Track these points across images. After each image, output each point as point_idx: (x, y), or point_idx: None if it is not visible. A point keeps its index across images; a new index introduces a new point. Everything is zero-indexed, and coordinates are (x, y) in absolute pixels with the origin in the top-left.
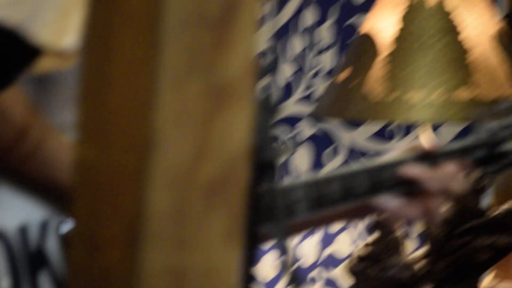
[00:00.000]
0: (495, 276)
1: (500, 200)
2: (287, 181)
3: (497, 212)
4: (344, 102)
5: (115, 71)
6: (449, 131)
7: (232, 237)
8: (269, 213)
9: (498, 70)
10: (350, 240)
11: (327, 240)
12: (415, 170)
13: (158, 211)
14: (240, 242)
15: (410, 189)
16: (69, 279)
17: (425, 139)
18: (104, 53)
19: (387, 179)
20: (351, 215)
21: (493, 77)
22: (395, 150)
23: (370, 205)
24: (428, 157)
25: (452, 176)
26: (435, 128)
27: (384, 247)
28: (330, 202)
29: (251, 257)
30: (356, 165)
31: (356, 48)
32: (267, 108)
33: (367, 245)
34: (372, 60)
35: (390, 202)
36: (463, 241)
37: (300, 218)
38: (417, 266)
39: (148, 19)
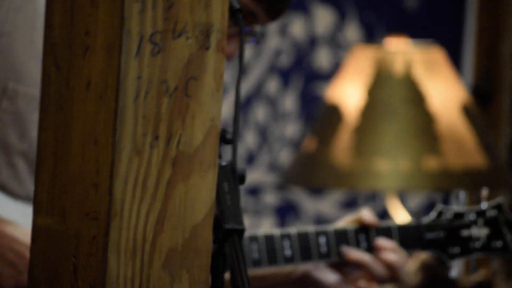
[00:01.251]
0: None
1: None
2: None
3: (467, 283)
4: (310, 171)
5: (74, 138)
6: (416, 201)
7: None
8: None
9: (465, 139)
10: None
11: None
12: (358, 255)
13: (120, 279)
14: None
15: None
16: None
17: (369, 213)
18: (63, 120)
19: (323, 246)
20: (291, 285)
21: (460, 146)
22: (340, 220)
23: (308, 277)
24: (367, 230)
25: (395, 263)
26: (401, 196)
27: None
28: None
29: None
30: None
31: (322, 117)
32: (230, 176)
33: None
34: (338, 129)
35: (328, 276)
36: None
37: None
38: None
39: (107, 86)
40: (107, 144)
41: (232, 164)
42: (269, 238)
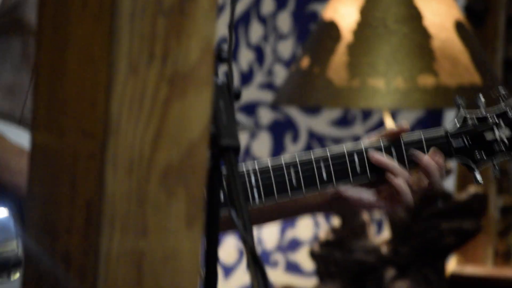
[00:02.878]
0: (459, 261)
1: (462, 184)
2: (247, 166)
3: (462, 196)
4: (306, 89)
5: (71, 57)
6: (409, 118)
7: (192, 222)
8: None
9: (460, 57)
10: (312, 224)
11: (289, 224)
12: (384, 158)
13: (117, 195)
14: (200, 226)
15: (377, 178)
16: (26, 263)
17: (391, 125)
18: (60, 39)
19: (355, 166)
20: (315, 209)
21: (455, 64)
22: (367, 137)
23: (340, 196)
24: (398, 144)
25: (426, 171)
26: (394, 115)
27: (349, 232)
28: (288, 189)
29: (213, 241)
30: (318, 152)
31: (318, 35)
32: (226, 94)
33: (332, 229)
34: (334, 47)
35: (353, 192)
36: (429, 225)
37: (258, 205)
38: (382, 250)
39: (104, 6)
40: (103, 64)
41: (228, 82)
42: (305, 164)
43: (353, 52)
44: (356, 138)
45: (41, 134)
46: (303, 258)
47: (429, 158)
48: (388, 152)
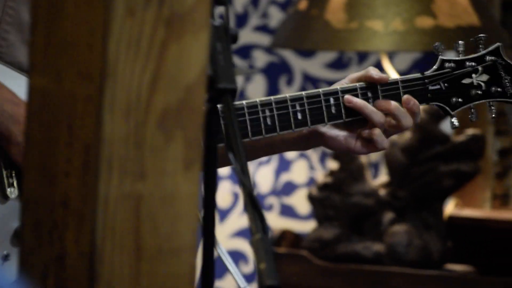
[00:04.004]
0: (457, 203)
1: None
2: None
3: (460, 138)
4: (304, 32)
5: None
6: (406, 59)
7: (190, 165)
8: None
9: None
10: (306, 167)
11: (283, 167)
12: (358, 101)
13: (115, 138)
14: (198, 169)
15: (352, 120)
16: (24, 208)
17: (388, 67)
18: None
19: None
20: (299, 144)
21: (453, 6)
22: (345, 79)
23: (316, 133)
24: (375, 87)
25: (398, 111)
26: (391, 56)
27: (347, 175)
28: (262, 128)
29: (211, 184)
30: (294, 94)
31: None
32: (223, 36)
33: (329, 173)
34: None
35: (335, 131)
36: (427, 168)
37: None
38: (380, 193)
39: None
40: (100, 6)
41: (225, 24)
42: (280, 103)
43: None
44: None
45: (38, 77)
46: (297, 201)
47: (396, 105)
48: (364, 95)
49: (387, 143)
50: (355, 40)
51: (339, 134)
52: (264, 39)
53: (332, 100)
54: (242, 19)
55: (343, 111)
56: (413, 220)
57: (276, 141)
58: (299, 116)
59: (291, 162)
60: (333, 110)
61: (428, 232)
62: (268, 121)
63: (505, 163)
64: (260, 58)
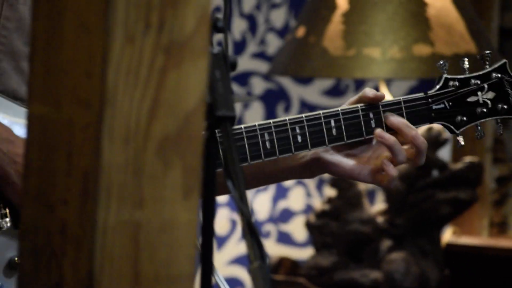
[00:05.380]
0: (455, 231)
1: (457, 155)
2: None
3: (458, 166)
4: (302, 59)
5: (67, 27)
6: (402, 87)
7: (189, 192)
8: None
9: (456, 26)
10: (304, 194)
11: (281, 195)
12: (400, 120)
13: (113, 166)
14: (197, 197)
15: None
16: (22, 235)
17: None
18: (56, 9)
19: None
20: (301, 171)
21: (450, 33)
22: (344, 104)
23: (319, 160)
24: (376, 107)
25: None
26: (387, 83)
27: (345, 202)
28: (261, 152)
29: (209, 212)
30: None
31: (313, 5)
32: (222, 64)
33: (327, 200)
34: (330, 16)
35: (333, 157)
36: (424, 195)
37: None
38: (378, 221)
39: None
40: (99, 33)
41: (224, 52)
42: (279, 126)
43: (349, 21)
44: None
45: (38, 105)
46: (295, 228)
47: (386, 134)
48: (366, 116)
49: (404, 158)
50: (352, 67)
51: (343, 160)
52: (262, 66)
53: (333, 122)
54: (240, 46)
55: (344, 133)
56: (410, 248)
57: (280, 169)
58: (299, 139)
59: (288, 189)
60: (334, 132)
61: (425, 260)
62: (268, 144)
63: (503, 191)
64: (258, 85)
